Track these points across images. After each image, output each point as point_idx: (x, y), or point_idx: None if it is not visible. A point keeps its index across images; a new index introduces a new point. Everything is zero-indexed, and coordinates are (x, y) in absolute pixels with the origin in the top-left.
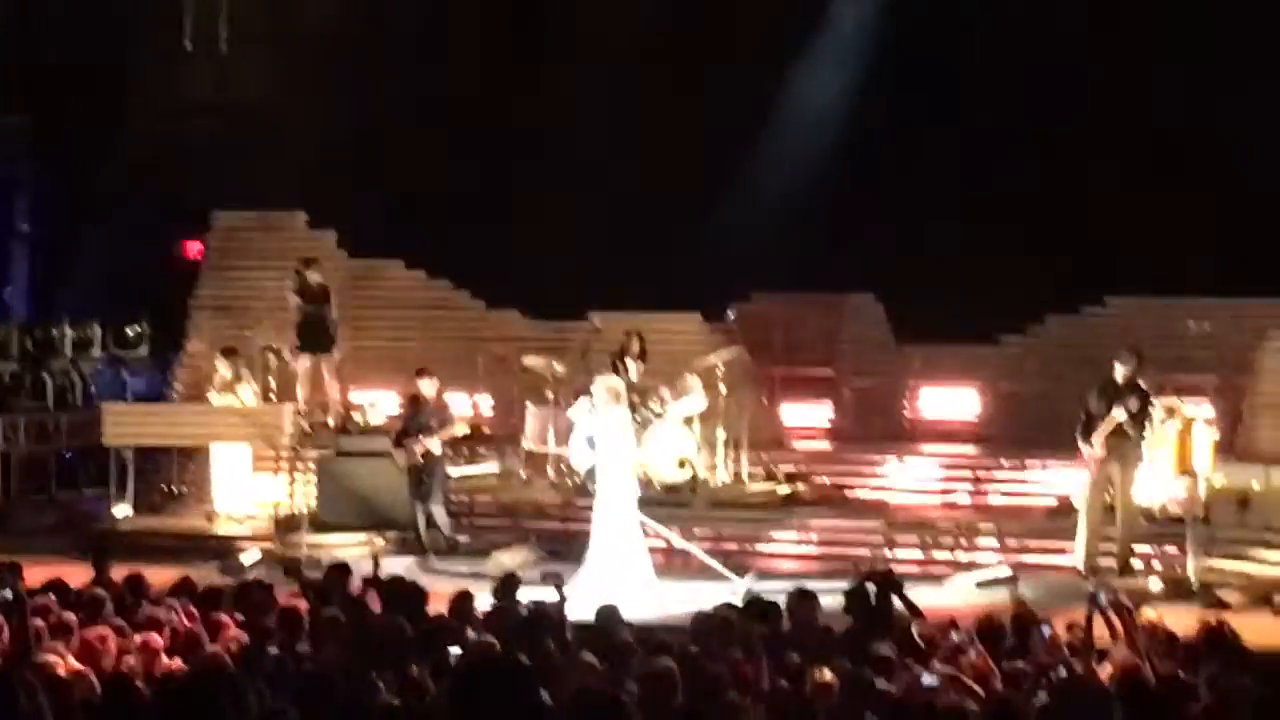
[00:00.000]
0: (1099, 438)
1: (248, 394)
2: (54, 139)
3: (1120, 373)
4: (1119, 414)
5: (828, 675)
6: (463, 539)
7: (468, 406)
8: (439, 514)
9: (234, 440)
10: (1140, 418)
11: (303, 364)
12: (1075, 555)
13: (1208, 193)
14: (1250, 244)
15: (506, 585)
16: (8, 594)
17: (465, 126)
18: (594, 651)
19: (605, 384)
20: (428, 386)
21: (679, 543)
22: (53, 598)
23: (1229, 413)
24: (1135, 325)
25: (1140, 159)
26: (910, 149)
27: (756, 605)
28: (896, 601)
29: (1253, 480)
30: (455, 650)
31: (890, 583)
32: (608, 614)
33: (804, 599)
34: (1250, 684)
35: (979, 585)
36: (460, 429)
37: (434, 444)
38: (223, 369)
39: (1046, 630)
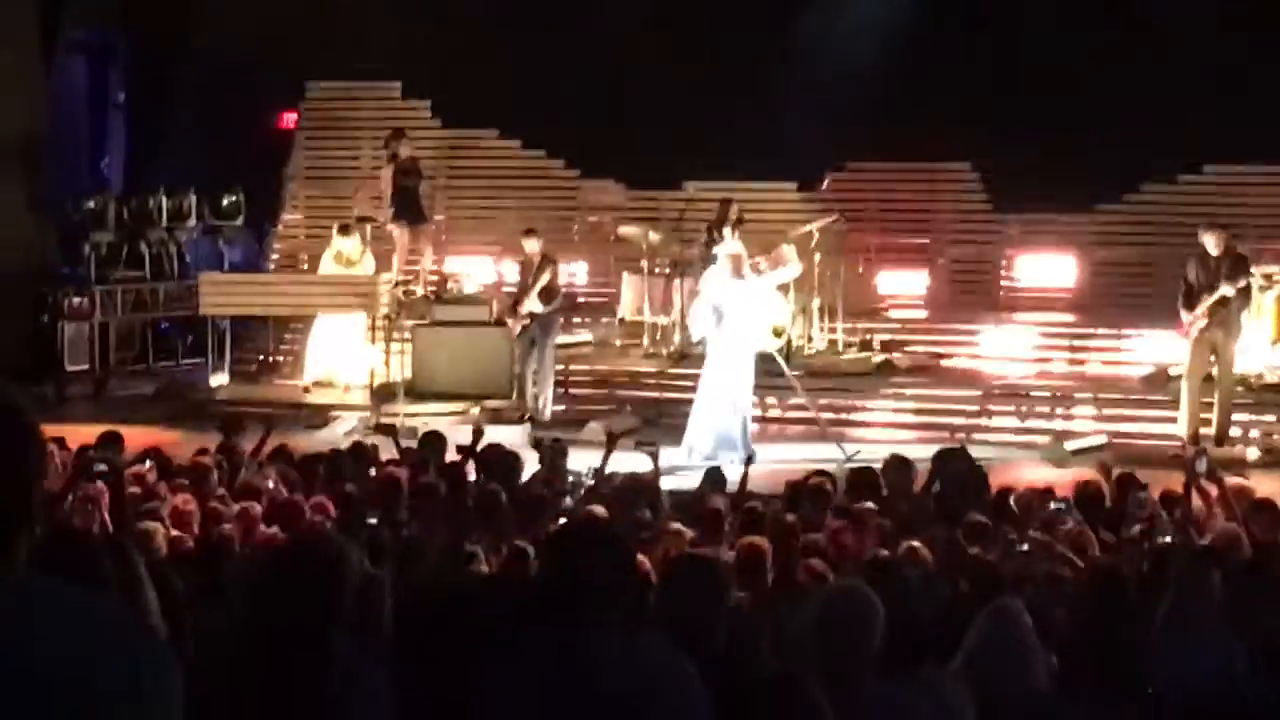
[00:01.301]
0: (1203, 308)
1: (367, 266)
2: (147, 7)
3: (1211, 245)
4: (1227, 290)
5: (917, 543)
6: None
7: (564, 276)
8: (546, 389)
9: (331, 310)
10: (1244, 289)
11: (399, 234)
12: (1180, 424)
13: None
14: None
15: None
16: (103, 466)
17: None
18: (689, 518)
19: (730, 251)
20: (528, 245)
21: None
22: (149, 466)
23: None
24: (1234, 193)
25: (1232, 22)
26: (1007, 17)
27: (854, 473)
28: None
29: None
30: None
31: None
32: (711, 479)
33: (901, 466)
34: None
35: (1075, 453)
36: (544, 281)
37: (533, 303)
38: (339, 243)
39: (1143, 496)
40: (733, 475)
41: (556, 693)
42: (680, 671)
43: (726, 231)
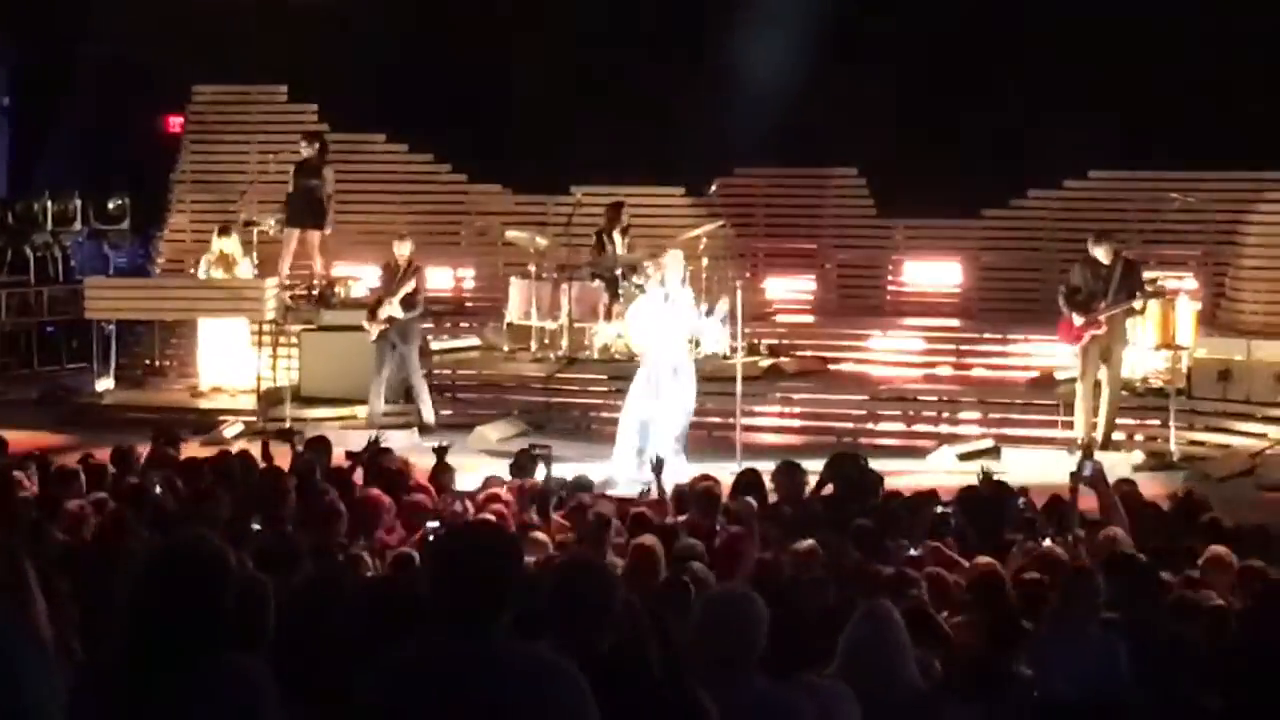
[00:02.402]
0: (1105, 316)
1: (247, 269)
2: (33, 10)
3: (1103, 255)
4: (1137, 304)
5: (805, 545)
6: (431, 422)
7: (450, 280)
8: (421, 390)
9: (217, 314)
10: (1140, 300)
11: (287, 236)
12: (1075, 429)
13: (1193, 64)
14: (1235, 115)
15: (520, 461)
16: None
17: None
18: (575, 524)
19: (681, 260)
20: (398, 249)
21: None
22: (32, 470)
23: (1212, 285)
24: (1119, 198)
25: (1123, 30)
26: (899, 21)
27: (738, 476)
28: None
29: (1235, 353)
30: (433, 524)
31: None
32: (584, 485)
33: (789, 471)
34: (1228, 554)
35: (961, 458)
36: (409, 286)
37: (394, 309)
38: (219, 245)
39: (1022, 502)
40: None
41: (435, 698)
42: (563, 675)
43: (616, 236)
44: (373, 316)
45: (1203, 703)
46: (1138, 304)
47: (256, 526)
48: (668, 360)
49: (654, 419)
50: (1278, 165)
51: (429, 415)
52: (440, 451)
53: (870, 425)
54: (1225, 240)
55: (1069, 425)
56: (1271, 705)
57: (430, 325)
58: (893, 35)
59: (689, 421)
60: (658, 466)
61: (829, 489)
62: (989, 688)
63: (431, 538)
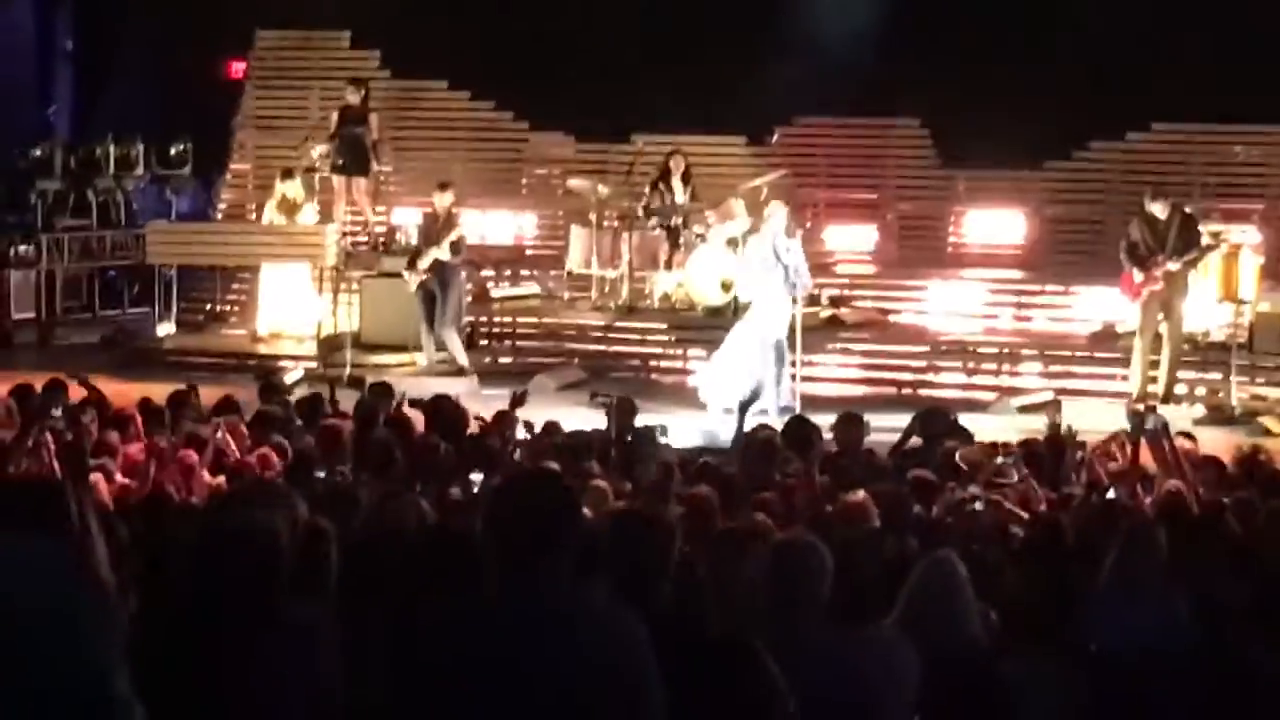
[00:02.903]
0: (1160, 271)
1: (310, 214)
2: None
3: (1159, 211)
4: (1172, 267)
5: (860, 496)
6: (468, 367)
7: (511, 228)
8: (451, 339)
9: (277, 260)
10: (1195, 254)
11: (337, 184)
12: (1130, 383)
13: (1258, 17)
14: None
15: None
16: (58, 412)
17: None
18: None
19: (785, 208)
20: (439, 199)
21: None
22: (94, 414)
23: (1275, 239)
24: (1182, 151)
25: None
26: None
27: (789, 426)
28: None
29: None
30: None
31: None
32: (648, 435)
33: (850, 423)
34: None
35: (1021, 410)
36: (454, 234)
37: (439, 253)
38: (283, 189)
39: (1081, 455)
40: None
41: (492, 647)
42: (621, 625)
43: (676, 184)
44: (412, 266)
45: (1256, 660)
46: (1193, 257)
47: (320, 474)
48: (775, 309)
49: (758, 368)
50: None
51: (462, 359)
52: (517, 399)
53: (930, 377)
54: None
55: (1124, 378)
56: None
57: (491, 273)
58: None
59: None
60: (744, 405)
61: (915, 442)
62: (1047, 642)
63: (486, 487)
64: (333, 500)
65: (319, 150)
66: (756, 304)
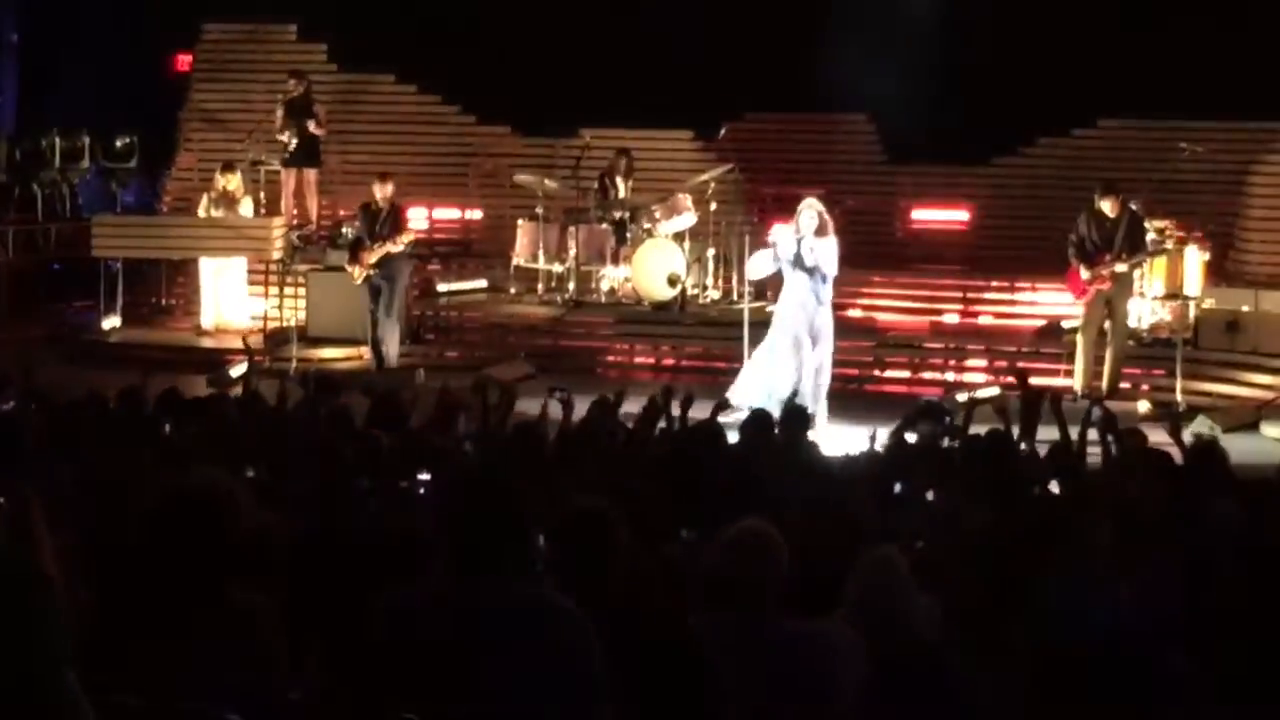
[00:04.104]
0: (1107, 271)
1: (248, 208)
2: None
3: (1108, 208)
4: (1120, 268)
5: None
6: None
7: (457, 222)
8: (391, 334)
9: (224, 254)
10: (1142, 256)
11: (284, 176)
12: (1075, 378)
13: (1204, 13)
14: (1245, 66)
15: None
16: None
17: None
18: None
19: (817, 208)
20: (379, 190)
21: None
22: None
23: (1220, 235)
24: (1127, 147)
25: None
26: None
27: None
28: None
29: (1242, 303)
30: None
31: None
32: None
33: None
34: (1233, 506)
35: (967, 404)
36: (409, 236)
37: (391, 246)
38: (222, 182)
39: (1025, 446)
40: None
41: (440, 638)
42: (566, 616)
43: (619, 180)
44: (354, 259)
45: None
46: (1141, 260)
47: (252, 473)
48: (803, 312)
49: (780, 374)
50: None
51: (394, 357)
52: (482, 387)
53: (876, 372)
54: (1234, 190)
55: (1067, 374)
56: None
57: (438, 266)
58: None
59: (825, 379)
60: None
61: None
62: (992, 638)
63: (436, 483)
64: (276, 494)
65: (269, 142)
66: (781, 300)
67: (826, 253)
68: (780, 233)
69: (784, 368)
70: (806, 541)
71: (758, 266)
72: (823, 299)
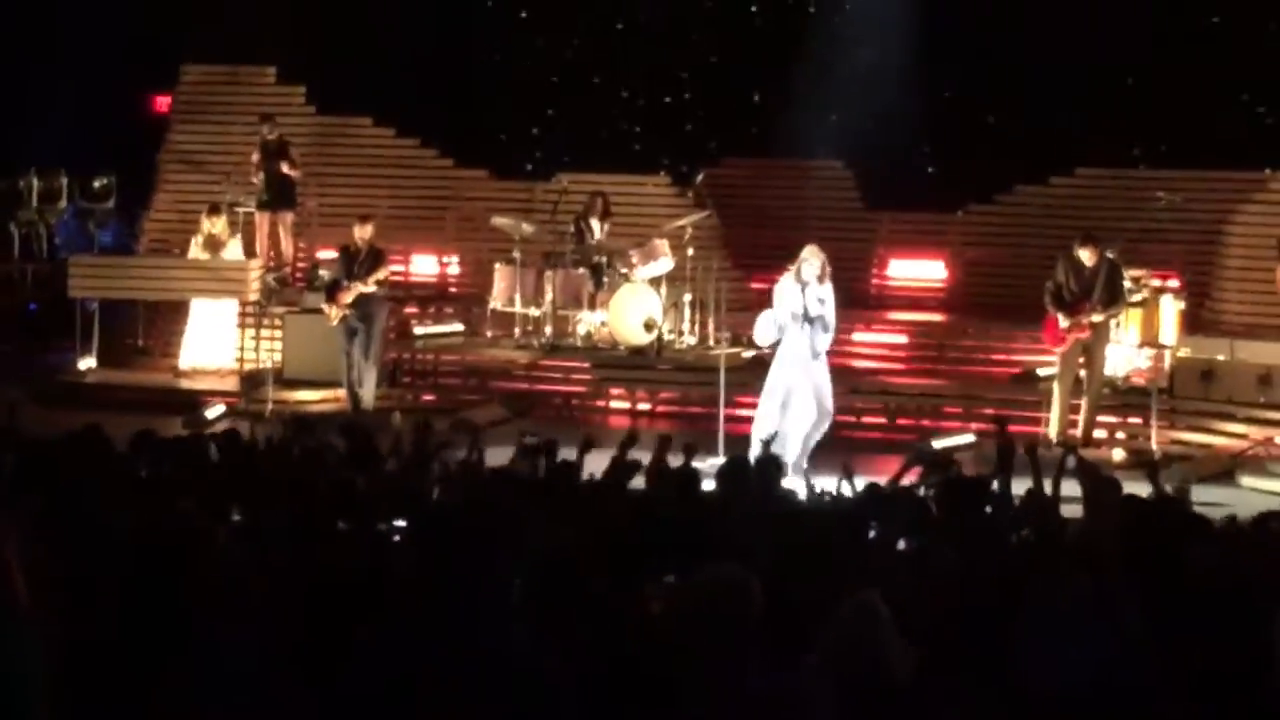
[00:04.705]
0: (1086, 320)
1: (235, 250)
2: None
3: (1087, 258)
4: (1097, 318)
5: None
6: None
7: (435, 265)
8: (369, 376)
9: (201, 295)
10: (1119, 308)
11: (259, 219)
12: (1051, 425)
13: (1180, 64)
14: (1221, 115)
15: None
16: None
17: None
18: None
19: (820, 256)
20: (359, 232)
21: None
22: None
23: (1196, 285)
24: (1104, 196)
25: (1114, 29)
26: (881, 16)
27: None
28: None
29: (1218, 352)
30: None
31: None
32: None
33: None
34: (1209, 552)
35: (941, 452)
36: (384, 273)
37: (365, 287)
38: (208, 225)
39: (998, 488)
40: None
41: (415, 679)
42: (538, 663)
43: (594, 223)
44: (331, 299)
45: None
46: (1119, 310)
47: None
48: (802, 357)
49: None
50: (1261, 166)
51: (370, 399)
52: (465, 430)
53: (852, 419)
54: (1210, 240)
55: (1046, 421)
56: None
57: (414, 309)
58: (882, 27)
59: (820, 430)
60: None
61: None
62: (968, 683)
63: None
64: (261, 534)
65: (245, 184)
66: (781, 353)
67: (830, 301)
68: (784, 287)
69: (772, 419)
70: (780, 586)
71: (764, 333)
72: (820, 351)
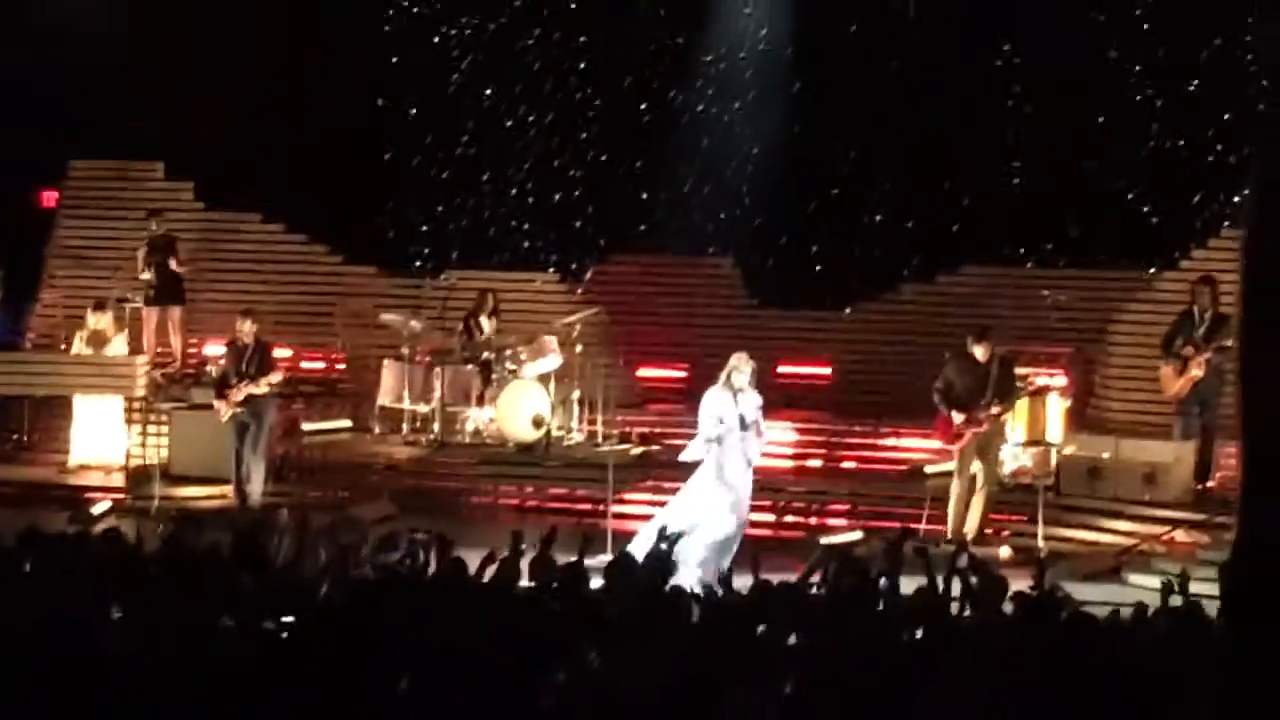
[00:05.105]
0: (985, 415)
1: (120, 346)
2: None
3: (980, 353)
4: (995, 410)
5: None
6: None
7: (322, 362)
8: (257, 471)
9: (88, 391)
10: (1011, 396)
11: (147, 314)
12: (950, 523)
13: (1065, 162)
14: (1107, 215)
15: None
16: None
17: (327, 82)
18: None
19: (749, 363)
20: (246, 329)
21: None
22: None
23: (1081, 383)
24: (991, 294)
25: (996, 127)
26: (762, 108)
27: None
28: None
29: (1103, 450)
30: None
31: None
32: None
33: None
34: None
35: (829, 547)
36: (277, 376)
37: (255, 389)
38: (93, 320)
39: (885, 583)
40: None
41: None
42: None
43: (484, 321)
44: (221, 396)
45: None
46: (1011, 407)
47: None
48: (733, 461)
49: (701, 522)
50: (1146, 266)
51: (257, 495)
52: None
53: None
54: (1095, 338)
55: (936, 519)
56: None
57: (302, 405)
58: (767, 127)
59: (737, 540)
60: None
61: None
62: None
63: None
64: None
65: (133, 280)
66: (709, 466)
67: (761, 408)
68: (714, 398)
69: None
70: (668, 684)
71: (696, 451)
72: (755, 460)
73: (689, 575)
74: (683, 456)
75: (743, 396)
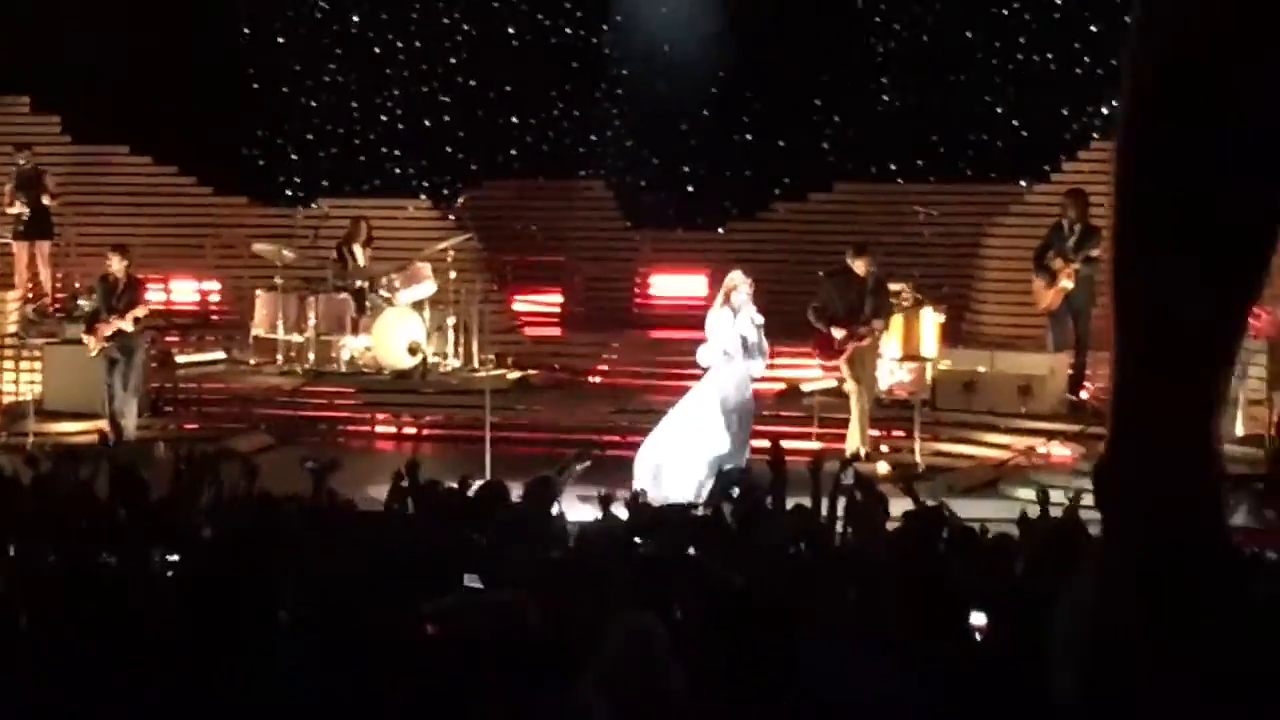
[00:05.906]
0: (864, 329)
1: None
2: None
3: (860, 268)
4: (876, 324)
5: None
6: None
7: (195, 293)
8: (129, 408)
9: None
10: (886, 311)
11: (17, 250)
12: (850, 441)
13: (935, 79)
14: (978, 129)
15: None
16: None
17: (193, 11)
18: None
19: (746, 281)
20: (116, 264)
21: None
22: None
23: (955, 297)
24: (863, 211)
25: (867, 45)
26: (639, 33)
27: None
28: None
29: (978, 364)
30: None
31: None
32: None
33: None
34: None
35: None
36: (143, 311)
37: (124, 324)
38: None
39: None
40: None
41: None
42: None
43: (357, 249)
44: (91, 331)
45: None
46: (888, 323)
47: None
48: (741, 385)
49: (697, 440)
50: (1018, 178)
51: (132, 430)
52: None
53: (617, 438)
54: (968, 253)
55: (818, 437)
56: None
57: (176, 338)
58: (639, 49)
59: (732, 454)
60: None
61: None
62: (746, 699)
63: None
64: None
65: (1, 215)
66: (713, 379)
67: (761, 325)
68: (718, 317)
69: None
70: (553, 606)
71: (708, 359)
72: (758, 376)
73: (685, 492)
74: (700, 360)
75: (742, 315)
